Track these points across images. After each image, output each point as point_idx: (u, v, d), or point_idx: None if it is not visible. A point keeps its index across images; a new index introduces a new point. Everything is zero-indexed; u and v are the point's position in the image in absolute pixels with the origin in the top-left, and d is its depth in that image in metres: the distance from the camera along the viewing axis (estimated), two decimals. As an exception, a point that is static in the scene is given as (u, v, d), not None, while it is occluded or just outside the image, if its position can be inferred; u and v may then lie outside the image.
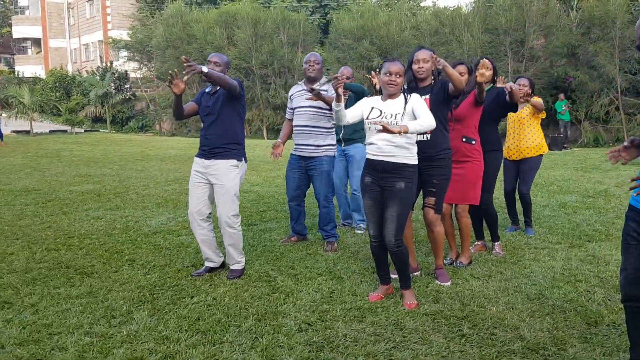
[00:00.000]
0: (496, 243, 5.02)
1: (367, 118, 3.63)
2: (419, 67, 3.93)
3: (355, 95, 5.69)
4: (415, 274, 4.32)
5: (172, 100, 4.21)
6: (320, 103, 4.96)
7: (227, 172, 4.20)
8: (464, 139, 4.42)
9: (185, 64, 3.79)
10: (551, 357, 2.94)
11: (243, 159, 4.33)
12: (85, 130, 28.43)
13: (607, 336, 3.18)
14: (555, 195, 8.10)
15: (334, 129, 5.22)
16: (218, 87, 4.21)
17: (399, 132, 3.26)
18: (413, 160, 3.59)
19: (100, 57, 36.85)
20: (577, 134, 20.30)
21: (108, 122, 29.35)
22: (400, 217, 3.57)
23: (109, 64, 31.31)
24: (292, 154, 5.26)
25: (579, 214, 6.71)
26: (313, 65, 5.05)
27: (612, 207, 7.18)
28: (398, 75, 3.52)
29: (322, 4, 25.94)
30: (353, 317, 3.48)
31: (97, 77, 29.75)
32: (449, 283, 4.10)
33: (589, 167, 11.71)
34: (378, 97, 3.70)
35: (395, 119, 3.50)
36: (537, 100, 5.42)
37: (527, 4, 19.49)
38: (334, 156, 5.21)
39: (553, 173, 10.74)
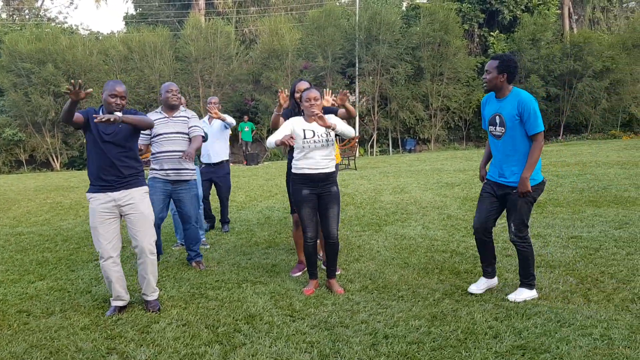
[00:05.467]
0: None
1: (305, 138, 4.36)
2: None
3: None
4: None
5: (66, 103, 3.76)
6: (183, 128, 5.27)
7: (142, 200, 4.15)
8: None
9: (98, 120, 3.66)
10: (463, 295, 4.27)
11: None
12: None
13: (468, 280, 4.71)
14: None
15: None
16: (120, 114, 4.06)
17: (330, 127, 4.17)
18: (334, 167, 4.50)
19: None
20: (259, 149, 23.14)
21: None
22: (338, 214, 4.44)
23: None
24: (155, 178, 5.28)
25: (345, 211, 8.46)
26: (176, 94, 5.30)
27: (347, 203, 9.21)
28: (316, 99, 4.36)
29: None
30: (315, 302, 4.18)
31: None
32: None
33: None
34: (301, 119, 4.42)
35: (329, 135, 4.36)
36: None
37: (212, 35, 21.43)
38: (195, 179, 5.56)
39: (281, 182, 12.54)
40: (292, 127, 4.38)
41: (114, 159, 4.05)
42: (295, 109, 4.96)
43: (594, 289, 4.23)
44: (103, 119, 3.68)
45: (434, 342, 3.41)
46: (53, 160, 22.49)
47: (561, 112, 23.35)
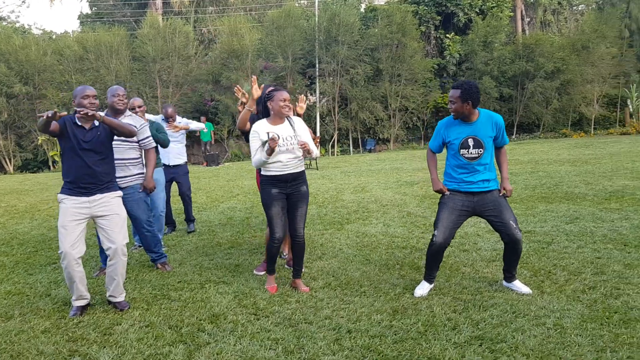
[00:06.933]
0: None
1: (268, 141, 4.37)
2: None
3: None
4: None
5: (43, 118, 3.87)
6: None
7: (117, 202, 4.20)
8: None
9: (82, 114, 3.83)
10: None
11: None
12: None
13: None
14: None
15: (141, 159, 5.35)
16: (97, 122, 4.13)
17: (304, 145, 4.22)
18: (303, 167, 4.55)
19: None
20: (220, 150, 22.98)
21: None
22: (305, 213, 4.49)
23: None
24: None
25: (307, 210, 8.52)
26: (122, 99, 5.09)
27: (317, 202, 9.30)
28: (289, 101, 4.41)
29: None
30: (279, 300, 4.23)
31: None
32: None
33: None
34: (265, 121, 4.41)
35: (294, 139, 4.37)
36: None
37: (170, 35, 21.16)
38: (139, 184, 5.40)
39: (242, 183, 12.55)
40: (259, 135, 4.33)
41: (92, 165, 4.11)
42: (260, 115, 4.97)
43: (547, 281, 4.42)
44: (86, 113, 3.85)
45: (395, 335, 3.51)
46: (6, 163, 21.78)
47: (514, 111, 24.00)
